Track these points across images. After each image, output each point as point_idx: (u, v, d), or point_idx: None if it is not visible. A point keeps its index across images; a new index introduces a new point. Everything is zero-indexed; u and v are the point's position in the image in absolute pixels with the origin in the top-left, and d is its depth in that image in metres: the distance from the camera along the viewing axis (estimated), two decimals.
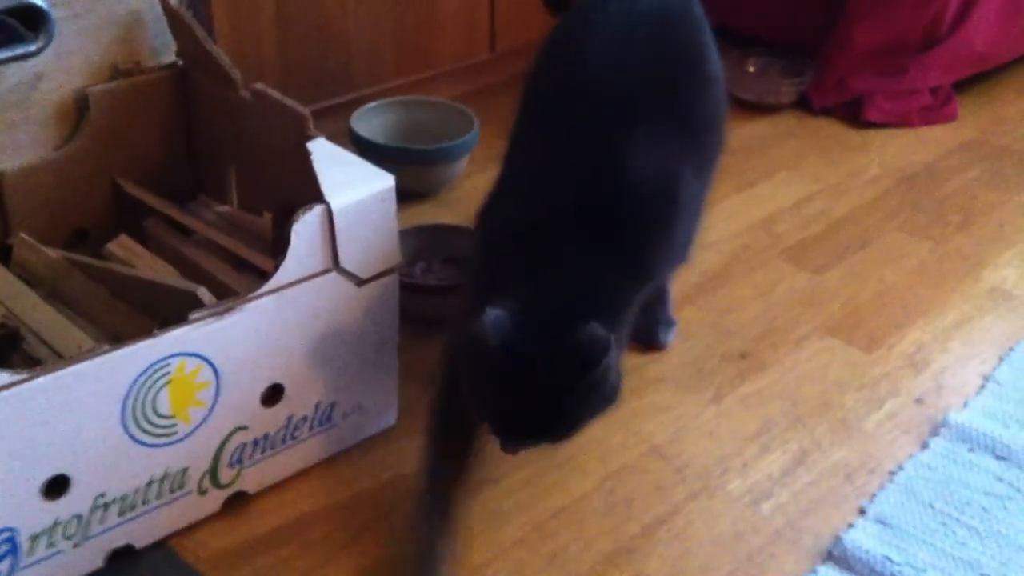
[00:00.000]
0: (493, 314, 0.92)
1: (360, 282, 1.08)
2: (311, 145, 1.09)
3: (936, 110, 1.92)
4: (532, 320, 0.93)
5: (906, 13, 1.87)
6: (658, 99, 1.08)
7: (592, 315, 0.93)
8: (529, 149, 1.09)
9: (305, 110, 1.13)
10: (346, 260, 1.06)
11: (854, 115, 1.90)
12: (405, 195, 1.55)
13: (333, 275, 1.06)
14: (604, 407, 0.98)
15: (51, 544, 0.97)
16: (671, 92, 1.10)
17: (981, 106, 1.97)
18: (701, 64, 1.15)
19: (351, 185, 1.06)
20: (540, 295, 0.95)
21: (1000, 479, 1.13)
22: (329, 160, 1.09)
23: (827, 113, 1.93)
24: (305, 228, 1.02)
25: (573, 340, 0.91)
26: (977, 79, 2.00)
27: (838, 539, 1.05)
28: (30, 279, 1.18)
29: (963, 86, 1.98)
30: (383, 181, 1.07)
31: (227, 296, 1.02)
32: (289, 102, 1.15)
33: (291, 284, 1.03)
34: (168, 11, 1.26)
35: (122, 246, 1.25)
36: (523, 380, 0.93)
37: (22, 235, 1.20)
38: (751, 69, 1.99)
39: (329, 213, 1.03)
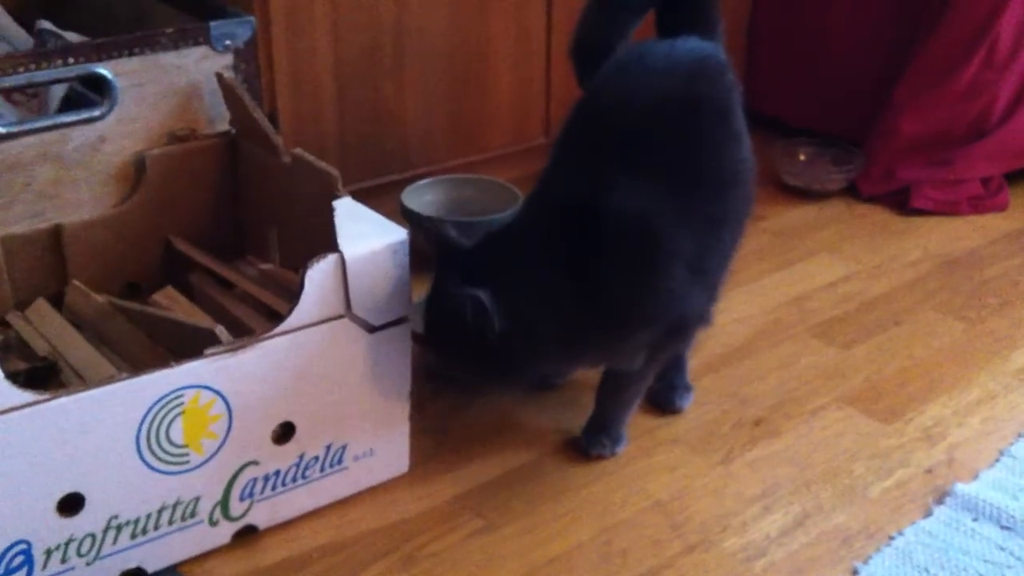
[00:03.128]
0: (449, 231, 1.16)
1: (372, 329, 1.14)
2: (336, 203, 1.17)
3: (985, 199, 1.92)
4: (476, 268, 1.11)
5: (952, 104, 1.90)
6: (669, 147, 1.14)
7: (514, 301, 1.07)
8: (556, 160, 1.20)
9: (335, 171, 1.21)
10: (358, 307, 1.12)
11: (902, 203, 1.92)
12: None
13: (345, 320, 1.12)
14: (473, 365, 1.13)
15: (64, 560, 1.03)
16: (687, 143, 1.15)
17: None
18: (726, 122, 1.19)
19: (366, 237, 1.13)
20: (493, 264, 1.12)
21: (1002, 548, 1.12)
22: (351, 216, 1.16)
23: (875, 200, 1.95)
24: (318, 274, 1.09)
25: (454, 292, 1.07)
26: None
27: None
28: (79, 322, 1.28)
29: (1017, 176, 1.98)
30: (396, 235, 1.14)
31: None
32: (321, 164, 1.23)
33: (304, 327, 1.10)
34: (222, 84, 1.37)
35: (167, 296, 1.34)
36: (430, 303, 1.15)
37: (75, 281, 1.30)
38: (801, 157, 2.03)
39: (342, 261, 1.10)
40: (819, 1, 2.09)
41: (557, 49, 1.95)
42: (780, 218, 1.88)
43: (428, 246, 1.17)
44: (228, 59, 1.37)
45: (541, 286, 1.09)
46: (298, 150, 1.28)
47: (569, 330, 1.09)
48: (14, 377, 0.95)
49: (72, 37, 1.46)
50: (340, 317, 1.12)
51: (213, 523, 1.12)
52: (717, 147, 1.18)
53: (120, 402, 1.00)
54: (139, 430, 1.02)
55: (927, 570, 1.09)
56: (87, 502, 1.02)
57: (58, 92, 1.42)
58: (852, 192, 1.97)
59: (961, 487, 1.20)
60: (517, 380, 1.22)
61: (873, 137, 1.97)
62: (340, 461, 1.18)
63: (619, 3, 1.32)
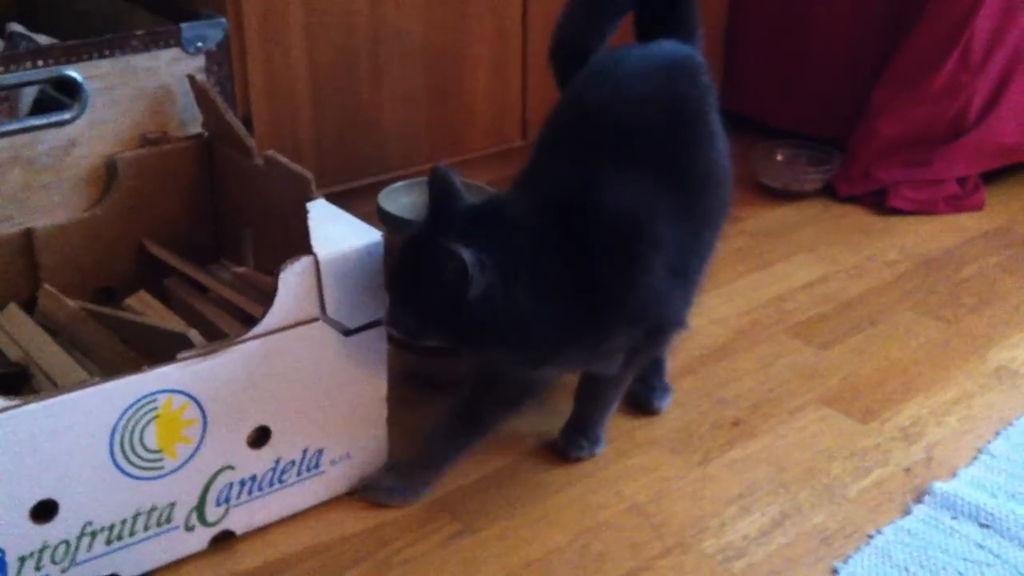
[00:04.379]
0: (443, 169, 1.13)
1: (347, 332, 1.13)
2: (310, 205, 1.16)
3: (962, 199, 1.93)
4: (463, 228, 1.07)
5: (930, 106, 1.90)
6: (649, 147, 1.14)
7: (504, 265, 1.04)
8: (537, 160, 1.21)
9: (308, 173, 1.20)
10: (333, 310, 1.12)
11: (879, 203, 1.92)
12: None
13: (320, 323, 1.11)
14: (453, 329, 1.08)
15: (39, 567, 1.02)
16: (665, 143, 1.16)
17: (1010, 196, 1.98)
18: (703, 123, 1.20)
19: (340, 239, 1.12)
20: (480, 228, 1.08)
21: (981, 546, 1.12)
22: (325, 218, 1.16)
23: (852, 201, 1.95)
24: (292, 277, 1.08)
25: (438, 248, 1.02)
26: (1009, 169, 2.01)
27: None
28: (52, 327, 1.26)
29: (993, 176, 1.99)
30: (371, 236, 1.14)
31: None
32: (295, 166, 1.22)
33: (278, 330, 1.09)
34: (194, 86, 1.35)
35: (140, 300, 1.32)
36: (401, 264, 1.10)
37: (46, 286, 1.29)
38: (779, 158, 2.03)
39: (316, 263, 1.09)
40: (799, 3, 2.09)
41: (534, 52, 1.95)
42: (758, 219, 1.88)
43: (430, 185, 1.14)
44: (200, 61, 1.36)
45: (525, 274, 1.06)
46: (271, 152, 1.27)
47: (550, 321, 1.07)
48: None
49: (43, 40, 1.45)
50: (315, 320, 1.11)
51: (189, 529, 1.11)
52: (695, 147, 1.19)
53: (93, 407, 0.99)
54: (112, 435, 1.01)
55: (907, 569, 1.09)
56: (61, 509, 1.01)
57: (28, 95, 1.41)
58: (830, 192, 1.97)
59: (939, 486, 1.20)
60: (473, 353, 1.17)
61: (852, 138, 1.97)
62: (317, 465, 1.17)
63: (598, 7, 1.32)
